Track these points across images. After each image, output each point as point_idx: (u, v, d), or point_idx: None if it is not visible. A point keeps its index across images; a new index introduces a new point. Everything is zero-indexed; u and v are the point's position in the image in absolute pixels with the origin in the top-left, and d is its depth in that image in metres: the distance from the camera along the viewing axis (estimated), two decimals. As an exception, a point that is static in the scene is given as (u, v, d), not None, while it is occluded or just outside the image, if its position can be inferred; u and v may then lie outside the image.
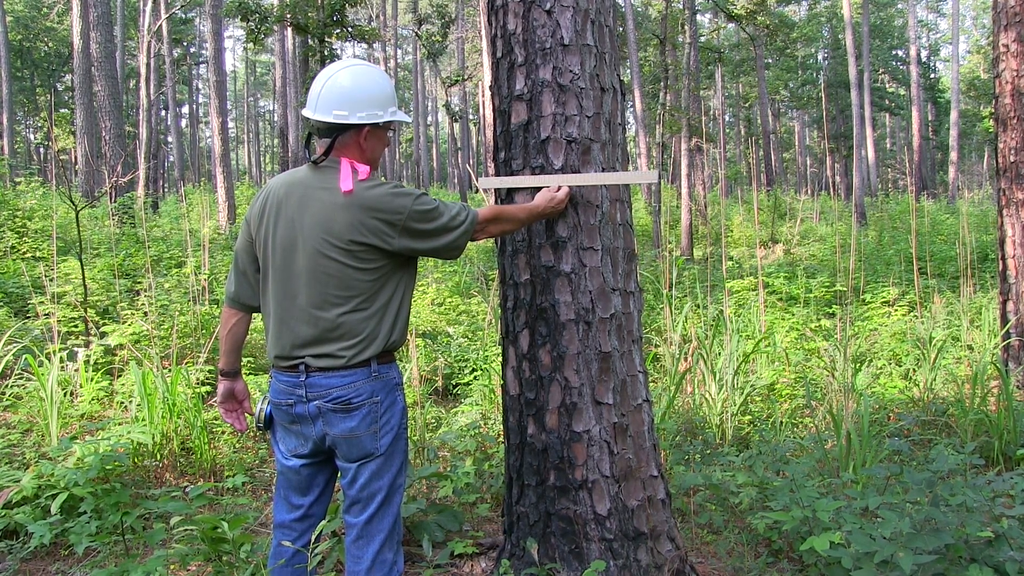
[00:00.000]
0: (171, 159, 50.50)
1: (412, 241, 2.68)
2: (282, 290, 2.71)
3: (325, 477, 2.87)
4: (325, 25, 16.92)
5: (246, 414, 3.04)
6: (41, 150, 50.44)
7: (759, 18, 25.69)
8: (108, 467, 4.28)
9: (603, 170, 3.20)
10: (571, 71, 3.16)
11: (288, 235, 2.68)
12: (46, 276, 8.63)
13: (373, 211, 2.61)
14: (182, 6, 35.29)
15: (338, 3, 16.91)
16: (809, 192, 43.33)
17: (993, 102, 7.74)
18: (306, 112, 2.73)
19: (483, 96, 36.55)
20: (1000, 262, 7.66)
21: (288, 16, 16.77)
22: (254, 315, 2.96)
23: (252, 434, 5.65)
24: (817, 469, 4.73)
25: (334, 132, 2.71)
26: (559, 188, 3.08)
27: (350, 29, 17.64)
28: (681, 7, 23.48)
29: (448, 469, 4.61)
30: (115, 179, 12.77)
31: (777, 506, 3.75)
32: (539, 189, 3.14)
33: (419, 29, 29.05)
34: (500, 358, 6.94)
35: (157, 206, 23.64)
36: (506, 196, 3.30)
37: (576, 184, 3.12)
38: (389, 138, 2.87)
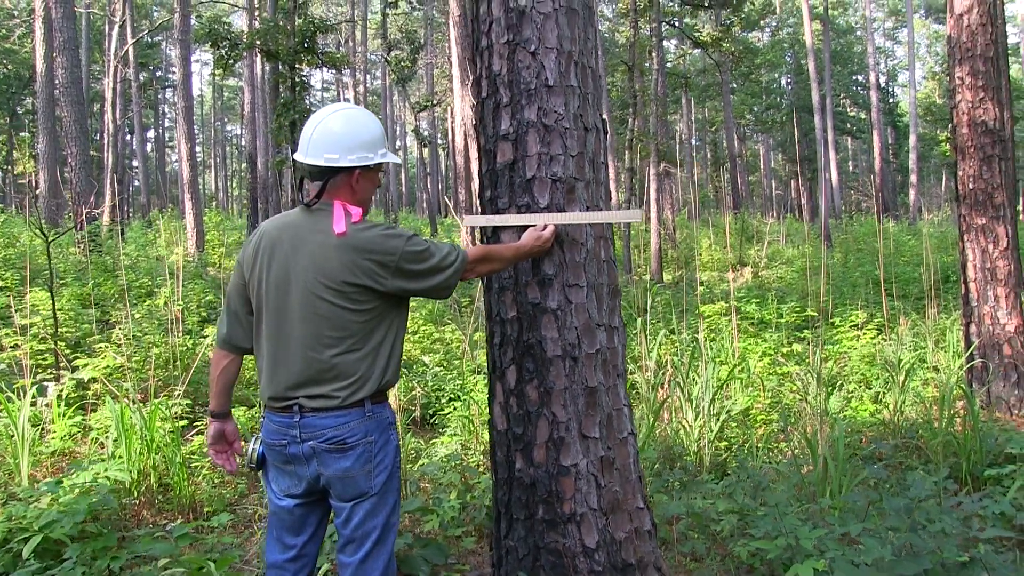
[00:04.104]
0: (136, 184, 50.15)
1: (405, 282, 2.73)
2: (276, 332, 2.74)
3: (318, 517, 2.89)
4: (296, 52, 16.94)
5: (236, 455, 3.05)
6: (-1, 173, 49.67)
7: (724, 45, 26.09)
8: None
9: (587, 208, 3.27)
10: (556, 111, 3.23)
11: (282, 277, 2.72)
12: (14, 307, 8.53)
13: (366, 252, 2.66)
14: (150, 31, 35.17)
15: (309, 30, 16.95)
16: (775, 214, 43.87)
17: (952, 132, 7.95)
18: (297, 156, 2.78)
19: (452, 121, 36.68)
20: (963, 285, 7.85)
21: (259, 43, 16.78)
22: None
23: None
24: (794, 495, 4.80)
25: (326, 175, 2.76)
26: (545, 227, 3.14)
27: (321, 56, 17.68)
28: (648, 34, 23.81)
29: (430, 502, 4.63)
30: (88, 209, 12.63)
31: (758, 533, 3.81)
32: (524, 227, 3.20)
33: (388, 55, 29.15)
34: (477, 387, 7.01)
35: (123, 232, 23.45)
36: (492, 234, 3.35)
37: (562, 223, 3.19)
38: (380, 179, 2.92)
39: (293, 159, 2.86)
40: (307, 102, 18.07)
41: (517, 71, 3.26)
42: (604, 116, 3.50)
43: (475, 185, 17.62)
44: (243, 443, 3.10)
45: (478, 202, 3.51)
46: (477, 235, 14.60)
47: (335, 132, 2.75)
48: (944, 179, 46.69)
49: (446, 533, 4.34)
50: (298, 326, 2.70)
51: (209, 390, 3.01)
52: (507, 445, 3.35)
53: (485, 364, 8.47)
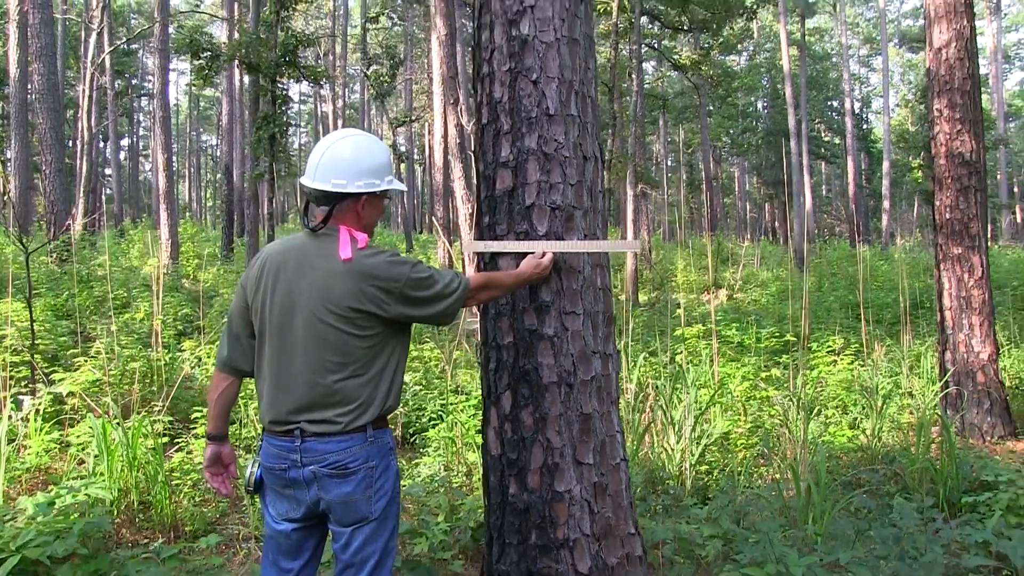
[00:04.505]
0: (108, 192, 49.71)
1: (408, 308, 2.75)
2: (278, 355, 2.74)
3: (315, 541, 2.89)
4: (277, 65, 16.93)
5: (232, 478, 3.04)
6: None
7: (703, 68, 26.35)
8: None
9: (585, 236, 3.30)
10: (556, 140, 3.27)
11: (286, 301, 2.73)
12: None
13: (371, 279, 2.68)
14: (128, 40, 34.96)
15: (291, 44, 16.95)
16: (749, 236, 44.23)
17: (930, 163, 8.09)
18: (304, 181, 2.79)
19: (430, 137, 36.72)
20: (938, 313, 7.97)
21: (240, 55, 16.74)
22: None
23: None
24: (777, 520, 4.84)
25: (332, 200, 2.78)
26: (544, 254, 3.17)
27: (302, 70, 17.67)
28: (628, 55, 24.00)
29: (415, 523, 4.62)
30: (70, 220, 12.49)
31: (744, 559, 3.85)
32: (521, 253, 3.23)
33: (367, 69, 29.18)
34: (459, 407, 7.01)
35: (94, 242, 23.22)
36: (490, 260, 3.38)
37: (561, 251, 3.22)
38: (385, 206, 2.94)
39: (299, 183, 2.87)
40: (286, 115, 18.08)
41: (518, 99, 3.30)
42: (601, 146, 3.55)
43: (455, 202, 17.66)
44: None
45: (475, 227, 3.54)
46: (454, 252, 14.61)
47: (343, 158, 2.77)
48: (916, 205, 47.38)
49: (434, 556, 4.34)
50: (302, 350, 2.70)
51: (207, 412, 3.00)
52: (501, 470, 3.36)
53: (465, 384, 8.54)
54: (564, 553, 3.22)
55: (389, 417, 2.86)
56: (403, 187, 2.93)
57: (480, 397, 7.30)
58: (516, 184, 3.30)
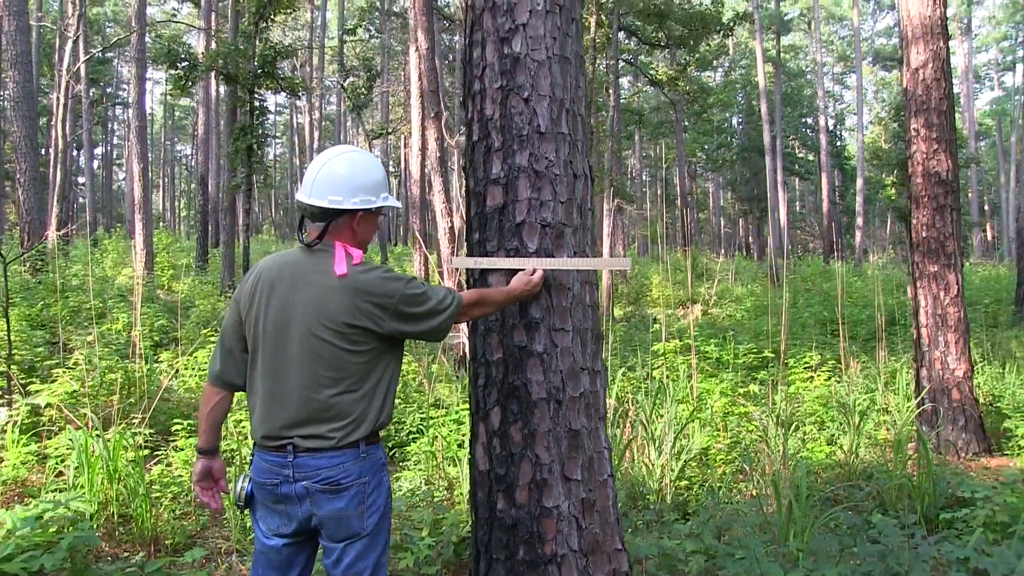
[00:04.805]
0: (81, 201, 49.28)
1: (402, 324, 2.76)
2: (272, 370, 2.74)
3: (305, 556, 2.88)
4: (256, 76, 16.91)
5: (222, 493, 3.02)
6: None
7: (680, 84, 26.55)
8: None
9: (575, 253, 3.33)
10: (547, 158, 3.30)
11: (280, 316, 2.73)
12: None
13: (366, 295, 2.69)
14: (104, 48, 34.74)
15: (270, 55, 16.94)
16: (723, 252, 44.54)
17: (908, 181, 8.20)
18: (300, 197, 2.80)
19: (407, 150, 36.72)
20: (915, 330, 8.06)
21: (218, 65, 16.70)
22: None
23: (193, 501, 5.53)
24: (758, 536, 4.87)
25: (328, 216, 2.79)
26: (534, 271, 3.19)
27: (280, 81, 17.65)
28: (605, 71, 24.15)
29: (399, 537, 4.61)
30: (47, 231, 12.37)
31: (727, 574, 3.87)
32: (511, 270, 3.25)
33: (344, 81, 29.17)
34: (438, 421, 7.00)
35: (68, 253, 22.99)
36: (479, 276, 3.39)
37: (552, 268, 3.24)
38: (380, 222, 2.95)
39: (296, 199, 2.88)
40: (264, 127, 18.05)
41: (510, 116, 3.32)
42: (591, 163, 3.57)
43: (432, 215, 17.66)
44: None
45: (465, 243, 3.55)
46: (432, 264, 14.61)
47: (339, 175, 2.79)
48: (889, 222, 47.92)
49: (420, 571, 4.33)
50: (296, 365, 2.71)
51: (198, 426, 2.99)
52: (489, 486, 3.37)
53: (444, 398, 8.54)
54: (552, 569, 3.23)
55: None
56: (398, 204, 2.95)
57: (461, 411, 7.34)
58: (507, 201, 3.32)
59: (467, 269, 3.49)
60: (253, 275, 2.86)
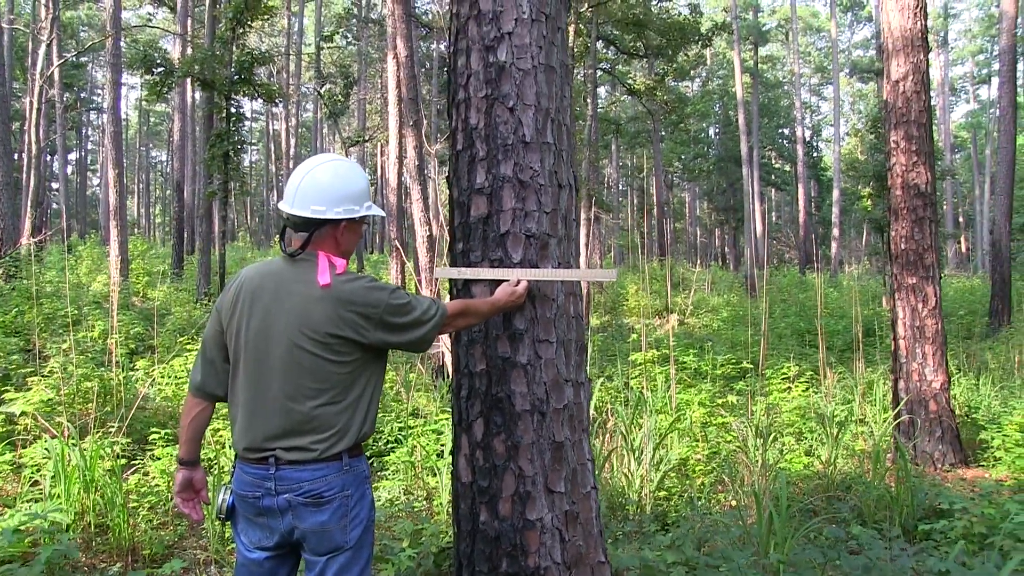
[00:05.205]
0: (55, 207, 48.78)
1: (386, 334, 2.73)
2: (254, 381, 2.70)
3: (287, 569, 2.83)
4: (233, 82, 16.80)
5: (203, 504, 2.97)
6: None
7: (658, 94, 26.67)
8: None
9: (559, 264, 3.31)
10: (531, 168, 3.27)
11: (262, 327, 2.69)
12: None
13: (350, 304, 2.65)
14: (78, 53, 34.44)
15: (247, 61, 16.84)
16: (699, 261, 44.73)
17: (882, 192, 8.26)
18: (282, 206, 2.76)
19: (382, 157, 36.66)
20: (893, 342, 8.10)
21: (195, 71, 16.58)
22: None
23: (171, 511, 5.46)
24: (738, 547, 4.87)
25: (311, 226, 2.75)
26: (518, 282, 3.17)
27: (257, 87, 17.55)
28: (583, 80, 24.22)
29: (379, 549, 4.57)
30: (25, 239, 12.20)
31: (709, 587, 3.86)
32: (494, 280, 3.22)
33: (321, 88, 29.06)
34: (417, 430, 6.96)
35: (41, 259, 22.71)
36: (463, 287, 3.36)
37: (537, 279, 3.22)
38: (363, 231, 2.92)
39: (278, 207, 2.84)
40: (240, 133, 17.95)
41: (494, 126, 3.30)
42: (576, 173, 3.56)
43: (409, 222, 17.61)
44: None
45: (448, 253, 3.52)
46: (408, 272, 14.56)
47: (322, 184, 2.75)
48: (865, 233, 48.32)
49: (401, 583, 4.29)
50: (278, 376, 2.66)
51: (179, 437, 2.94)
52: (472, 498, 3.34)
53: (423, 407, 8.49)
54: (535, 582, 3.20)
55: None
56: (381, 213, 2.92)
57: (440, 421, 7.30)
58: (491, 211, 3.29)
59: (450, 280, 3.46)
60: (235, 285, 2.82)
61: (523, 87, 3.29)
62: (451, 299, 3.44)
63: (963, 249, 56.50)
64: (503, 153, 3.28)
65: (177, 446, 5.97)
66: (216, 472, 5.48)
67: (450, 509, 5.41)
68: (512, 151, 3.27)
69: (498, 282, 3.22)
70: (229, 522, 2.85)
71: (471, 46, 3.39)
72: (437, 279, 11.51)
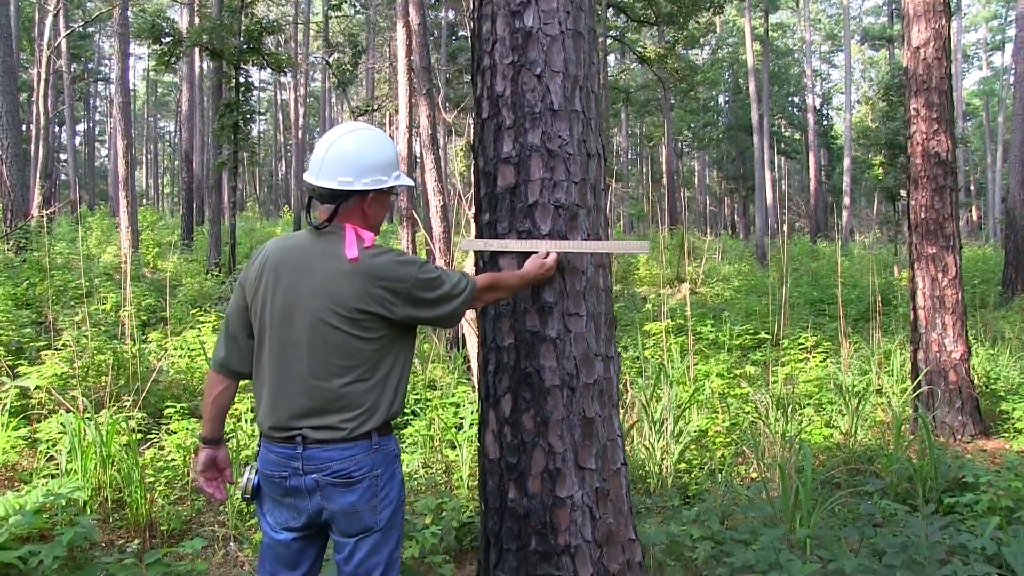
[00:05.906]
0: (64, 178, 48.69)
1: (415, 310, 2.64)
2: (279, 358, 2.62)
3: (315, 550, 2.77)
4: (241, 52, 16.66)
5: (227, 483, 2.91)
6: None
7: (669, 62, 26.40)
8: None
9: (588, 236, 3.22)
10: (560, 136, 3.18)
11: (287, 302, 2.61)
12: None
13: (378, 279, 2.57)
14: (85, 23, 34.24)
15: (256, 30, 16.69)
16: (709, 230, 44.52)
17: (897, 160, 8.13)
18: (308, 177, 2.67)
19: (392, 127, 36.39)
20: (912, 312, 8.00)
21: (203, 41, 16.45)
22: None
23: (189, 486, 5.42)
24: (764, 522, 4.82)
25: (338, 198, 2.66)
26: (547, 254, 3.08)
27: (266, 57, 17.41)
28: (594, 48, 23.94)
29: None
30: (36, 207, 12.15)
31: (736, 562, 3.81)
32: (514, 253, 3.14)
33: (329, 57, 28.86)
34: (435, 402, 6.91)
35: (51, 231, 22.65)
36: (489, 259, 3.28)
37: (567, 251, 3.13)
38: (392, 202, 2.83)
39: (304, 179, 2.75)
40: (250, 103, 17.85)
41: (521, 93, 3.20)
42: (604, 142, 3.46)
43: (422, 191, 17.48)
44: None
45: (475, 224, 3.44)
46: (419, 242, 14.47)
47: (348, 154, 2.65)
48: (876, 202, 47.97)
49: (424, 560, 4.24)
50: (305, 354, 2.58)
51: (201, 415, 2.87)
52: (499, 474, 3.27)
53: (439, 379, 8.43)
54: (565, 560, 3.15)
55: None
56: (410, 182, 2.82)
57: (458, 393, 7.24)
58: (519, 181, 3.20)
59: (476, 251, 3.38)
60: (259, 259, 2.73)
61: (551, 53, 3.20)
62: (476, 271, 3.36)
63: (974, 217, 56.11)
64: (530, 121, 3.19)
65: (193, 420, 5.96)
66: (234, 448, 5.43)
67: (470, 483, 5.39)
68: (540, 119, 3.18)
69: (525, 254, 3.13)
70: (254, 502, 2.78)
71: (496, 11, 3.29)
72: (452, 249, 11.42)
